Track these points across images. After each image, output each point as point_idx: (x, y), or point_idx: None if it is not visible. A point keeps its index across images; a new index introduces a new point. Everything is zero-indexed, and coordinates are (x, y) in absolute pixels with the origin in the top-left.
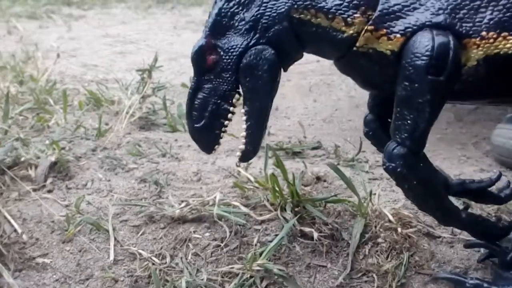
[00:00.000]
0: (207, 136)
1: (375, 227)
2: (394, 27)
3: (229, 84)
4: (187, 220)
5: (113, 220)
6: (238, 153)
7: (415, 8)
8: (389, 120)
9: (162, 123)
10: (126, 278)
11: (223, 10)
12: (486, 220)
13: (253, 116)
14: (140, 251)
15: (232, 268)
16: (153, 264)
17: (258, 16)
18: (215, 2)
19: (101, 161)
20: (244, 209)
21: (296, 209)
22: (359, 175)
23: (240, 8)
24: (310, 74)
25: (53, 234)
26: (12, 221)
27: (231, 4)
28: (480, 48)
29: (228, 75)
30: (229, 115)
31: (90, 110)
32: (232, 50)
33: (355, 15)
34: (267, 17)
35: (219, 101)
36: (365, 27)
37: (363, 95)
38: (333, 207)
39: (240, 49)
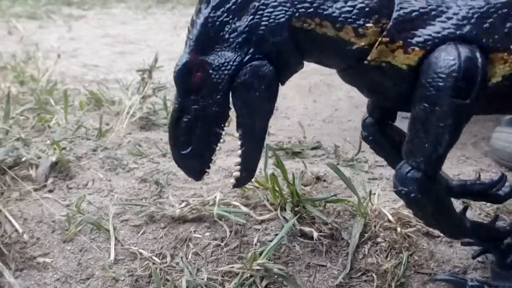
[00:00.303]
0: (196, 163)
1: (375, 226)
2: (411, 38)
3: (220, 106)
4: (187, 219)
5: (114, 220)
6: (232, 180)
7: (435, 16)
8: (390, 122)
9: (163, 123)
10: (127, 277)
11: (210, 20)
12: (487, 225)
13: (250, 140)
14: (140, 250)
15: (232, 267)
16: (153, 263)
17: (253, 26)
18: (199, 10)
19: (101, 161)
20: (244, 209)
21: (296, 208)
22: (358, 175)
23: (230, 17)
24: (310, 74)
25: (54, 233)
26: (13, 220)
27: (219, 12)
28: (508, 64)
29: (219, 96)
30: (221, 140)
31: (91, 110)
32: (223, 67)
33: (367, 24)
34: (264, 27)
35: (209, 125)
36: (379, 39)
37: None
38: (332, 207)
39: (233, 66)
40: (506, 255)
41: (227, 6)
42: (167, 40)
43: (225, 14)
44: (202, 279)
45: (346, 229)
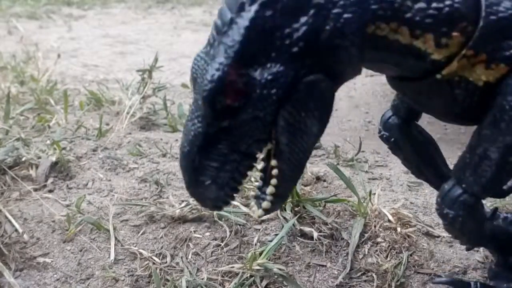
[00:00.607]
0: (221, 194)
1: (375, 226)
2: (497, 52)
3: (263, 130)
4: (187, 219)
5: (114, 220)
6: (260, 211)
7: None
8: (415, 122)
9: (163, 123)
10: (127, 277)
11: (258, 21)
12: (504, 230)
13: (291, 168)
14: (140, 250)
15: (232, 267)
16: (153, 263)
17: (313, 30)
18: (241, 7)
19: (101, 161)
20: (244, 209)
21: (296, 208)
22: (358, 175)
23: (284, 18)
24: None
25: (54, 233)
26: (13, 220)
27: (269, 11)
28: None
29: (263, 120)
30: (253, 168)
31: (91, 110)
32: (272, 84)
33: (453, 33)
34: (329, 32)
35: (244, 152)
36: (463, 51)
37: (363, 95)
38: (332, 207)
39: (284, 84)
40: (508, 255)
41: (281, 3)
42: (167, 40)
43: (278, 14)
44: (202, 279)
45: (346, 229)
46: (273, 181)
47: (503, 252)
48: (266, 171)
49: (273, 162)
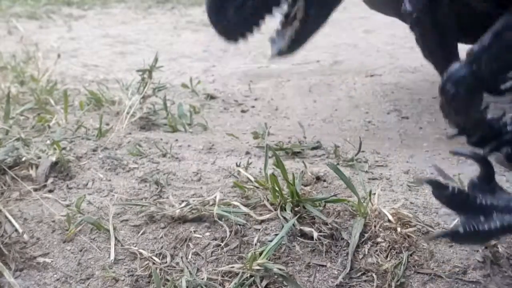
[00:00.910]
0: (240, 25)
1: (375, 226)
2: None
3: None
4: (187, 219)
5: (114, 220)
6: (273, 50)
7: None
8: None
9: (163, 123)
10: (127, 277)
11: None
12: (489, 123)
13: (316, 15)
14: (140, 250)
15: (232, 267)
16: (153, 263)
17: None
18: None
19: (101, 161)
20: (244, 209)
21: (296, 208)
22: (358, 175)
23: None
24: (310, 74)
25: (54, 233)
26: (13, 220)
27: None
28: None
29: None
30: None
31: (91, 110)
32: None
33: None
34: None
35: None
36: None
37: (363, 95)
38: (332, 207)
39: None
40: (490, 169)
41: None
42: (167, 40)
43: None
44: (202, 279)
45: (346, 229)
46: (296, 23)
47: (479, 144)
48: (288, 17)
49: (301, 3)
